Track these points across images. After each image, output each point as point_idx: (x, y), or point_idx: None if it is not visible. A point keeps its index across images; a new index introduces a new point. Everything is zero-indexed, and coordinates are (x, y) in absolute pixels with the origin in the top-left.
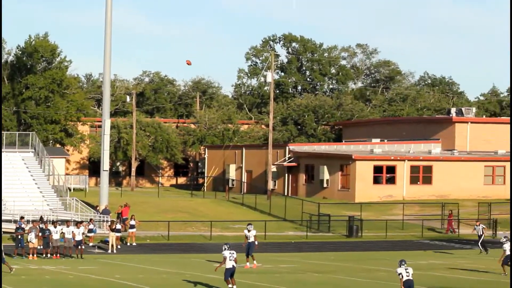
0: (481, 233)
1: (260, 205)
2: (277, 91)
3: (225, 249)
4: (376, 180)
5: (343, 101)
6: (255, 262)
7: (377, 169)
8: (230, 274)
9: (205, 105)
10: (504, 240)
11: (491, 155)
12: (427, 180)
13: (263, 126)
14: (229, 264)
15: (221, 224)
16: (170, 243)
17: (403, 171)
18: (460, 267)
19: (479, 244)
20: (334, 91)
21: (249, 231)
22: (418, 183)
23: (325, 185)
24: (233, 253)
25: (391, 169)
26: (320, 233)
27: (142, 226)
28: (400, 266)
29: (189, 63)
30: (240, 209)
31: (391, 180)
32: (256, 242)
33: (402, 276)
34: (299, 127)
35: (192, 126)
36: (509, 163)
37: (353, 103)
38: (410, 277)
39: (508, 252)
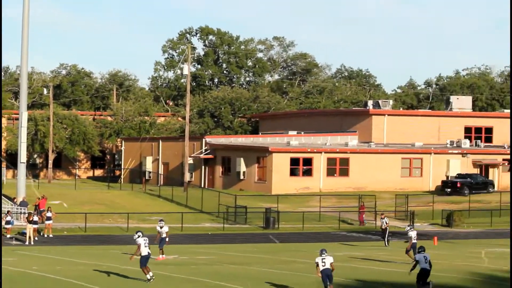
0: (385, 226)
1: (177, 197)
2: (194, 84)
3: (138, 236)
4: (293, 172)
5: (260, 93)
6: (164, 255)
7: (294, 161)
8: (146, 261)
9: (122, 98)
10: (409, 228)
11: (408, 148)
12: (344, 172)
13: (179, 118)
14: (145, 251)
15: (138, 216)
16: (87, 235)
17: (319, 163)
18: (377, 258)
19: (384, 237)
20: (251, 83)
21: (161, 227)
22: (335, 175)
23: (241, 177)
24: (146, 240)
25: (308, 161)
26: (237, 225)
27: (59, 218)
28: (321, 255)
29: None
30: (157, 201)
31: (308, 172)
32: (167, 239)
33: (318, 265)
34: (215, 119)
35: (109, 118)
36: (426, 155)
37: (269, 95)
38: (327, 266)
39: (414, 240)
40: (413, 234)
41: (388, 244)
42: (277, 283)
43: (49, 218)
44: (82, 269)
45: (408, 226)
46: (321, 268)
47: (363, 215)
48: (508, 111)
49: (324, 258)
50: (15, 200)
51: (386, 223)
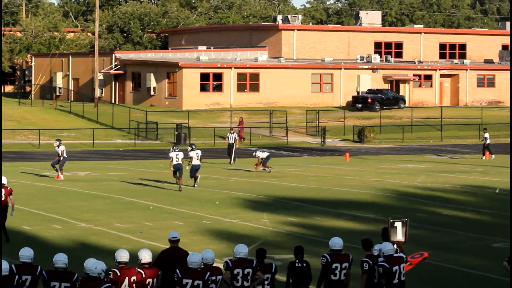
0: (232, 142)
1: (87, 113)
2: None
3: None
4: (203, 88)
5: (169, 8)
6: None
7: (204, 77)
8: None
9: (31, 13)
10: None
11: (318, 63)
12: (254, 88)
13: (89, 34)
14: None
15: (49, 132)
16: None
17: (230, 78)
18: (288, 175)
19: (230, 153)
20: None
21: (57, 146)
22: (245, 90)
23: (152, 92)
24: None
25: (218, 77)
26: (148, 141)
27: None
28: (173, 151)
29: None
30: (68, 117)
31: (218, 88)
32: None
33: (172, 160)
34: (125, 35)
35: (18, 34)
36: (336, 70)
37: (178, 10)
38: (180, 161)
39: (263, 156)
40: (260, 153)
41: (234, 162)
42: (188, 200)
43: None
44: None
45: (255, 150)
46: (174, 162)
47: (242, 131)
48: (419, 26)
49: (178, 154)
50: None
51: (235, 138)
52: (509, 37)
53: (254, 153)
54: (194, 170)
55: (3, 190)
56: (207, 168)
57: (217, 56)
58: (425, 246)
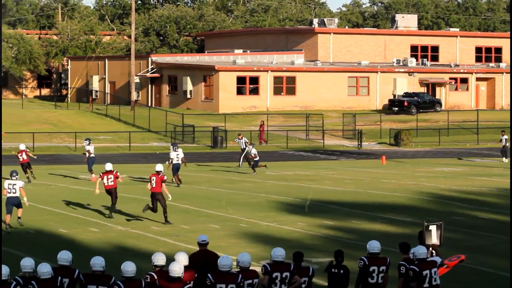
0: (244, 146)
1: (124, 116)
2: (139, 2)
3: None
4: (240, 91)
5: (205, 12)
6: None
7: (240, 80)
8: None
9: (67, 17)
10: (171, 147)
11: (354, 66)
12: (291, 91)
13: (125, 37)
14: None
15: (85, 135)
16: (34, 154)
17: (266, 82)
18: (325, 178)
19: (243, 158)
20: (196, 1)
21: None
22: (282, 94)
23: (188, 96)
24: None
25: (255, 80)
26: (185, 144)
27: (6, 137)
28: (173, 151)
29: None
30: (104, 120)
31: (255, 91)
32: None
33: (172, 161)
34: (161, 38)
35: (55, 37)
36: (372, 74)
37: (214, 14)
38: (180, 161)
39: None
40: (174, 155)
41: (241, 165)
42: (224, 203)
43: None
44: (30, 189)
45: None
46: (175, 161)
47: (263, 134)
48: (455, 29)
49: (178, 154)
50: None
51: (245, 142)
52: None
53: (250, 149)
54: (176, 169)
55: (154, 178)
56: (244, 172)
57: (253, 59)
58: (460, 249)
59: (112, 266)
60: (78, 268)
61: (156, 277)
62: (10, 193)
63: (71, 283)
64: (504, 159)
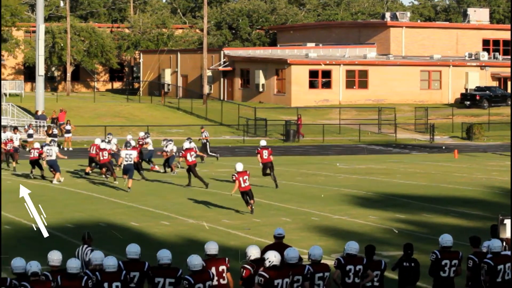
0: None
1: (196, 110)
2: None
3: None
4: (312, 85)
5: (277, 5)
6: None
7: (313, 74)
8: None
9: (139, 10)
10: (164, 142)
11: (426, 60)
12: (363, 85)
13: (197, 30)
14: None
15: (158, 128)
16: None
17: (338, 75)
18: (397, 172)
19: (207, 151)
20: None
21: (166, 146)
22: (354, 87)
23: (260, 89)
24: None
25: (327, 74)
26: (257, 138)
27: (78, 131)
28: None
29: None
30: (177, 113)
31: (327, 85)
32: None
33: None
34: (233, 31)
35: (127, 31)
36: (444, 68)
37: (287, 7)
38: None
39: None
40: (170, 147)
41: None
42: (296, 196)
43: (68, 131)
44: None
45: (164, 140)
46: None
47: (301, 128)
48: None
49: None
50: (37, 113)
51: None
52: None
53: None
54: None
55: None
56: (316, 165)
57: (325, 52)
58: None
59: (183, 259)
60: (147, 261)
61: (205, 265)
62: (127, 161)
63: (142, 276)
64: None
